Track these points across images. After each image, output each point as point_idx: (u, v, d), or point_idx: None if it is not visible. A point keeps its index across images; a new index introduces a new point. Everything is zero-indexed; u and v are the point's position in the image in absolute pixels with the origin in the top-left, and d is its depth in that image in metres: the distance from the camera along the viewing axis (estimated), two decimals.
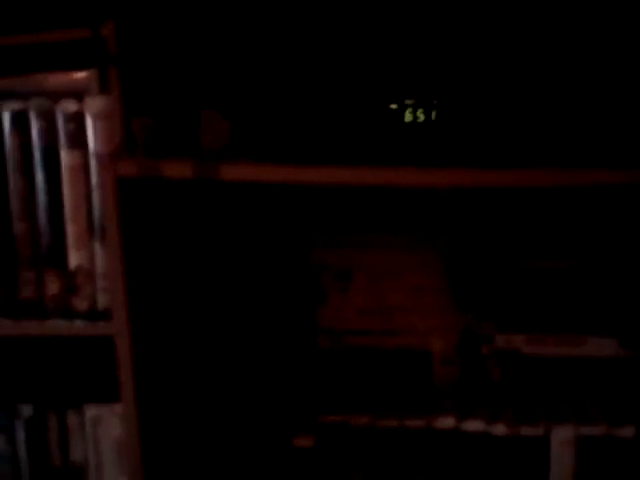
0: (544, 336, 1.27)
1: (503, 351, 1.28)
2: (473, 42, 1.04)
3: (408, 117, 1.04)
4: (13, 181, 1.18)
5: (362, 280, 1.33)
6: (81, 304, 1.20)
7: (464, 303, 1.30)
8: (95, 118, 1.15)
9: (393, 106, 1.04)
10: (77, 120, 1.16)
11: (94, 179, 1.17)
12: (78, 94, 1.16)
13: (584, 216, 1.26)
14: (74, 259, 1.19)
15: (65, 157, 1.17)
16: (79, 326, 1.19)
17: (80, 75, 1.16)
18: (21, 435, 1.29)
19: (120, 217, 1.05)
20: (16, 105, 1.17)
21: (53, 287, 1.19)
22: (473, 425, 1.19)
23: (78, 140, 1.16)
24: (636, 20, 1.05)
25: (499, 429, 1.18)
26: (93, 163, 1.16)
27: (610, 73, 1.04)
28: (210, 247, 1.28)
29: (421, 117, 1.03)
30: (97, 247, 1.19)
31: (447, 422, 1.19)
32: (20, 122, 1.17)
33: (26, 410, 1.29)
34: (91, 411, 1.29)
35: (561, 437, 1.16)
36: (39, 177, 1.17)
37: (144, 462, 1.11)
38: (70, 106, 1.16)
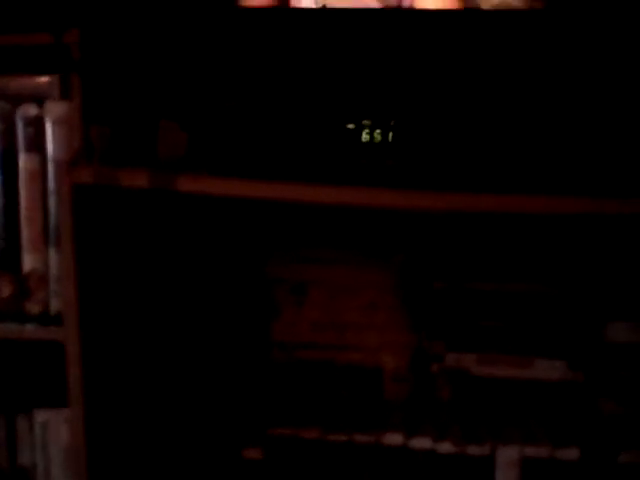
0: (493, 357, 1.29)
1: (453, 370, 1.29)
2: (430, 65, 1.06)
3: (365, 137, 1.05)
4: None
5: (317, 295, 1.34)
6: (33, 308, 1.19)
7: (417, 321, 1.32)
8: (55, 123, 1.15)
9: (350, 126, 1.05)
10: (36, 124, 1.16)
11: (51, 184, 1.17)
12: (39, 99, 1.16)
13: (536, 240, 1.28)
14: (28, 263, 1.19)
15: (23, 161, 1.17)
16: (30, 330, 1.19)
17: (42, 80, 1.16)
18: None
19: (75, 223, 1.05)
20: None
21: (5, 290, 1.19)
22: (421, 442, 1.20)
23: (37, 144, 1.16)
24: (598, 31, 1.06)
25: (446, 447, 1.19)
26: (51, 168, 1.16)
27: (557, 98, 1.06)
28: (166, 257, 1.28)
29: (378, 138, 1.04)
30: (52, 252, 1.18)
31: (395, 438, 1.20)
32: None
33: None
34: (41, 416, 1.28)
35: (506, 457, 1.18)
36: None
37: (90, 469, 1.11)
38: (30, 110, 1.16)
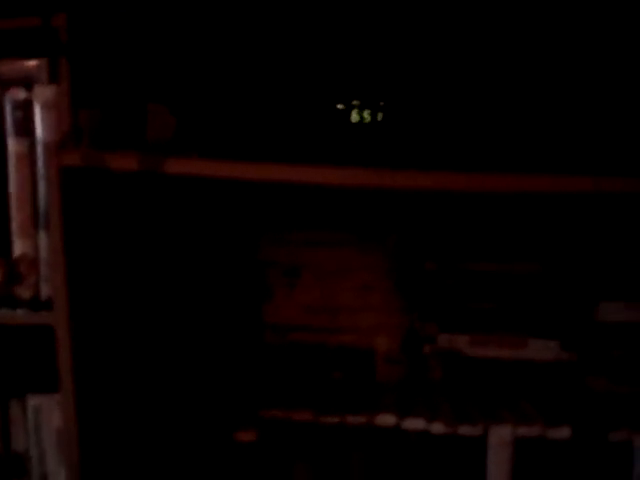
0: (486, 337, 1.29)
1: (445, 351, 1.30)
2: (418, 46, 1.05)
3: (355, 117, 1.05)
4: None
5: (310, 277, 1.34)
6: (24, 293, 1.19)
7: (410, 303, 1.32)
8: (43, 107, 1.15)
9: (340, 106, 1.05)
10: (25, 108, 1.15)
11: (40, 168, 1.16)
12: (27, 82, 1.15)
13: (528, 221, 1.28)
14: (18, 248, 1.19)
15: (12, 145, 1.16)
16: (21, 315, 1.18)
17: (30, 64, 1.16)
18: None
19: (63, 207, 1.04)
20: None
21: None
22: (413, 423, 1.20)
23: (25, 128, 1.16)
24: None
25: (438, 428, 1.19)
26: (40, 152, 1.16)
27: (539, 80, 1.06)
28: (157, 240, 1.28)
29: (367, 118, 1.04)
30: (42, 236, 1.18)
31: (388, 420, 1.21)
32: None
33: None
34: (34, 401, 1.28)
35: (498, 437, 1.18)
36: None
37: (82, 452, 1.11)
38: (19, 94, 1.15)
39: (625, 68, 1.07)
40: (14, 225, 1.18)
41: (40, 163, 1.16)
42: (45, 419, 1.28)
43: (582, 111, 1.08)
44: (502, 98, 1.06)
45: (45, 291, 1.19)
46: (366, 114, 1.04)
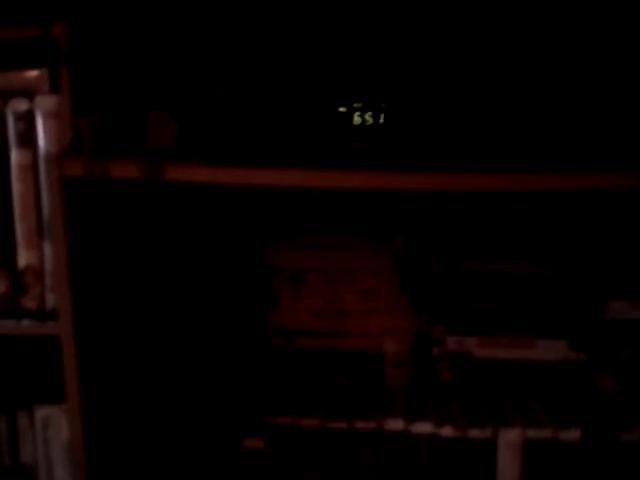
0: (494, 339, 1.28)
1: (454, 353, 1.29)
2: (418, 48, 1.05)
3: (356, 120, 1.04)
4: None
5: (316, 282, 1.34)
6: (30, 304, 1.19)
7: (417, 305, 1.31)
8: (45, 117, 1.14)
9: (342, 109, 1.04)
10: (27, 119, 1.15)
11: (44, 178, 1.16)
12: (29, 93, 1.15)
13: (536, 220, 1.28)
14: (23, 259, 1.18)
15: (15, 156, 1.16)
16: (27, 326, 1.18)
17: (31, 74, 1.15)
18: None
19: (66, 216, 1.04)
20: None
21: (1, 287, 1.18)
22: (422, 427, 1.19)
23: (28, 139, 1.15)
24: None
25: (447, 431, 1.18)
26: (42, 162, 1.16)
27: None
28: (162, 247, 1.28)
29: (369, 120, 1.04)
30: (47, 247, 1.18)
31: (396, 424, 1.20)
32: None
33: None
34: (41, 412, 1.28)
35: (508, 440, 1.17)
36: None
37: (89, 462, 1.10)
38: (21, 105, 1.15)
39: (613, 64, 1.07)
40: (19, 236, 1.18)
41: (43, 173, 1.16)
42: (54, 430, 1.28)
43: (581, 110, 1.08)
44: (510, 96, 1.06)
45: (51, 301, 1.18)
46: (368, 116, 1.03)
